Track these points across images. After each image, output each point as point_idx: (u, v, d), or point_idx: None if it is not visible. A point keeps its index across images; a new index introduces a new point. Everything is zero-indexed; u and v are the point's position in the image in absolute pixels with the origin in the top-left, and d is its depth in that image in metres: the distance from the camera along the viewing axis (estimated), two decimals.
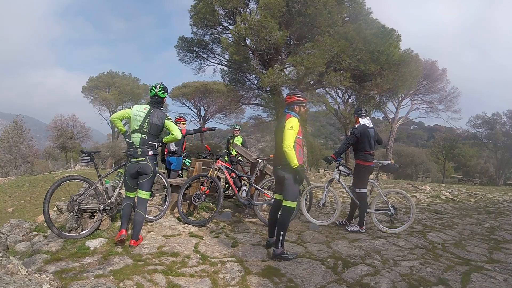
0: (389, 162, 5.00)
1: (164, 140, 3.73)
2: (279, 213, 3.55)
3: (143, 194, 3.60)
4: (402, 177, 28.45)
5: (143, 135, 3.54)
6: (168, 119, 3.67)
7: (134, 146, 3.55)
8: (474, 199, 9.26)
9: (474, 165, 35.62)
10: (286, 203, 3.45)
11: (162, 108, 3.77)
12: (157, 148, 3.69)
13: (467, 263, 3.45)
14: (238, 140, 8.38)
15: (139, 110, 3.61)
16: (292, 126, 3.37)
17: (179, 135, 3.61)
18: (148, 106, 3.66)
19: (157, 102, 3.72)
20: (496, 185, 25.58)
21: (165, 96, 3.79)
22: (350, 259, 3.46)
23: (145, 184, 3.59)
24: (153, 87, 3.74)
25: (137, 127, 3.56)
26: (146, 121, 3.56)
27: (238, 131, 8.47)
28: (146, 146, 3.54)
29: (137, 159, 3.53)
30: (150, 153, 3.55)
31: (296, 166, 3.32)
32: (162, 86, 3.73)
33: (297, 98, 3.58)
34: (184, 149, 7.22)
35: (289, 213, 3.46)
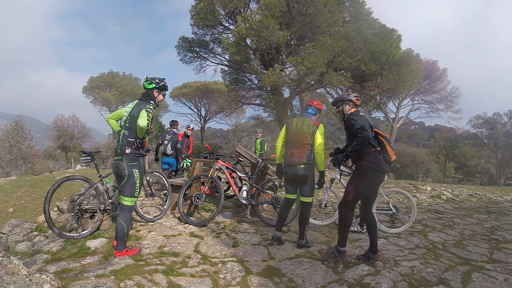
0: None
1: (137, 134, 3.27)
2: (300, 209, 3.88)
3: (123, 200, 3.25)
4: (402, 177, 28.41)
5: (125, 131, 3.29)
6: (146, 109, 3.20)
7: (117, 144, 3.35)
8: (474, 199, 9.25)
9: (474, 165, 35.54)
10: (305, 199, 3.77)
11: (152, 102, 3.39)
12: (138, 146, 3.31)
13: (467, 263, 3.45)
14: (258, 142, 9.02)
15: (129, 106, 3.42)
16: (322, 133, 3.72)
17: (141, 123, 3.09)
18: (136, 101, 3.45)
19: (143, 94, 3.45)
20: (496, 185, 25.52)
21: (153, 87, 3.41)
22: (350, 259, 3.45)
23: (123, 187, 3.24)
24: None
25: (122, 123, 3.37)
26: (129, 115, 3.30)
27: (260, 133, 9.18)
28: (125, 143, 3.25)
29: (116, 157, 3.30)
30: (127, 151, 3.22)
31: (323, 169, 3.82)
32: (148, 77, 3.46)
33: (321, 107, 4.14)
34: (187, 151, 7.77)
35: (309, 207, 3.81)
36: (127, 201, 3.25)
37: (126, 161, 3.23)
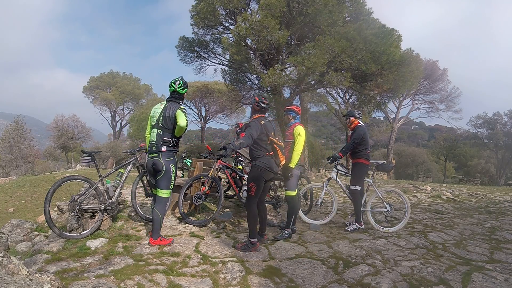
0: (384, 162, 5.18)
1: (175, 133, 3.56)
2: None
3: (159, 192, 3.60)
4: (403, 177, 28.39)
5: (159, 131, 3.54)
6: (181, 109, 3.51)
7: (150, 142, 3.60)
8: (475, 199, 9.25)
9: (475, 165, 35.51)
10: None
11: (180, 103, 3.68)
12: (174, 145, 3.58)
13: (468, 263, 3.45)
14: None
15: (157, 107, 3.67)
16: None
17: (182, 123, 3.42)
18: (165, 102, 3.68)
19: (175, 97, 3.68)
20: (497, 185, 25.49)
21: (185, 92, 3.76)
22: (351, 259, 3.45)
23: (160, 182, 3.57)
24: (172, 83, 3.69)
25: (154, 123, 3.60)
26: (161, 116, 3.54)
27: None
28: (161, 142, 3.52)
29: (152, 155, 3.58)
30: (164, 149, 3.51)
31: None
32: (181, 82, 3.69)
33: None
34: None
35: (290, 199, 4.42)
36: (163, 194, 3.61)
37: (163, 157, 3.52)
